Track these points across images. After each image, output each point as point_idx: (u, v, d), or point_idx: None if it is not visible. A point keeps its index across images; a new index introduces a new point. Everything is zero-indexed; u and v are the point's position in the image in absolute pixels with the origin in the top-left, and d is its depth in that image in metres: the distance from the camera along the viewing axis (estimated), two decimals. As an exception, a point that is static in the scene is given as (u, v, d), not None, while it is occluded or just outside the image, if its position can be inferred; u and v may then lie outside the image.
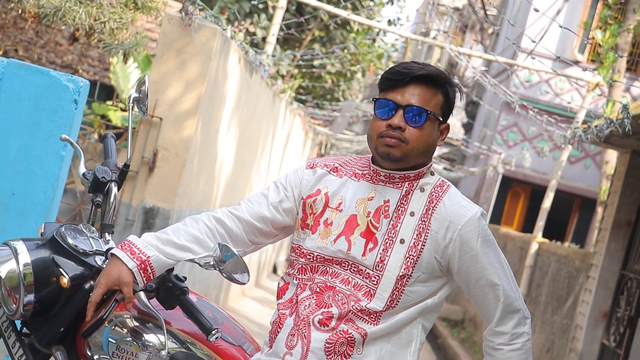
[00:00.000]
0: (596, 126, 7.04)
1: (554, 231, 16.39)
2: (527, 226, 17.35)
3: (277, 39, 11.79)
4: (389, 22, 16.36)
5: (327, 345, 2.38)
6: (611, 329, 8.09)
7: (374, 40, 16.77)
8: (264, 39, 12.47)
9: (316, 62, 14.33)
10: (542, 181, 16.62)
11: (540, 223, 11.82)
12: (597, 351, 8.21)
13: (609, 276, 8.20)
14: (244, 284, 2.41)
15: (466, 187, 20.57)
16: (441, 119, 2.46)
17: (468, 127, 23.49)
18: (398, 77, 2.41)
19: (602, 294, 8.21)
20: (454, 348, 12.67)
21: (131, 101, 2.75)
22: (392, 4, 16.49)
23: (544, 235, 12.06)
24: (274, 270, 14.74)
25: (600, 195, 12.61)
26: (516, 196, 18.89)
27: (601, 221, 8.75)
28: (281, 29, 10.57)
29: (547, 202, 11.95)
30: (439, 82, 2.43)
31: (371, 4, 15.32)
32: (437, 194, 2.45)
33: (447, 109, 2.47)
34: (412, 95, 2.40)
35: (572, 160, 17.39)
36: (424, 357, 11.14)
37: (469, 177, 20.16)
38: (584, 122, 10.92)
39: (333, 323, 2.38)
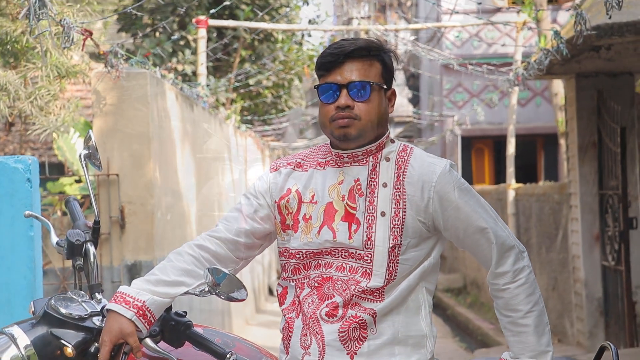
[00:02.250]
0: (535, 60, 7.12)
1: (525, 176, 16.52)
2: (499, 179, 17.48)
3: (208, 69, 11.77)
4: (310, 22, 16.38)
5: (340, 334, 2.38)
6: (607, 249, 8.18)
7: (301, 44, 16.80)
8: (194, 72, 12.44)
9: (251, 81, 14.33)
10: (501, 131, 16.76)
11: (510, 169, 11.91)
12: (599, 274, 8.30)
13: (590, 199, 8.29)
14: (244, 299, 2.40)
15: (430, 158, 20.64)
16: (385, 87, 2.48)
17: (415, 101, 23.62)
18: (332, 58, 2.43)
19: (588, 218, 8.30)
20: (464, 314, 12.74)
21: (83, 159, 2.74)
22: (307, 4, 16.53)
23: (517, 182, 12.15)
24: (270, 292, 14.71)
25: (559, 127, 12.76)
26: (480, 153, 19.04)
27: (567, 150, 8.84)
28: (208, 57, 10.55)
29: (511, 149, 12.05)
30: (373, 52, 2.45)
31: (287, 10, 15.33)
32: (403, 160, 2.47)
33: (388, 75, 2.49)
34: (350, 72, 2.42)
35: (522, 103, 17.56)
36: (438, 330, 11.15)
37: (430, 147, 20.28)
38: (522, 62, 11.03)
39: (340, 312, 2.39)
